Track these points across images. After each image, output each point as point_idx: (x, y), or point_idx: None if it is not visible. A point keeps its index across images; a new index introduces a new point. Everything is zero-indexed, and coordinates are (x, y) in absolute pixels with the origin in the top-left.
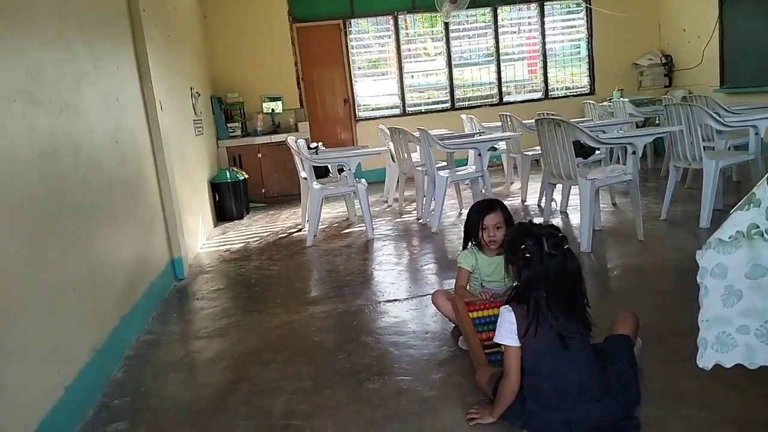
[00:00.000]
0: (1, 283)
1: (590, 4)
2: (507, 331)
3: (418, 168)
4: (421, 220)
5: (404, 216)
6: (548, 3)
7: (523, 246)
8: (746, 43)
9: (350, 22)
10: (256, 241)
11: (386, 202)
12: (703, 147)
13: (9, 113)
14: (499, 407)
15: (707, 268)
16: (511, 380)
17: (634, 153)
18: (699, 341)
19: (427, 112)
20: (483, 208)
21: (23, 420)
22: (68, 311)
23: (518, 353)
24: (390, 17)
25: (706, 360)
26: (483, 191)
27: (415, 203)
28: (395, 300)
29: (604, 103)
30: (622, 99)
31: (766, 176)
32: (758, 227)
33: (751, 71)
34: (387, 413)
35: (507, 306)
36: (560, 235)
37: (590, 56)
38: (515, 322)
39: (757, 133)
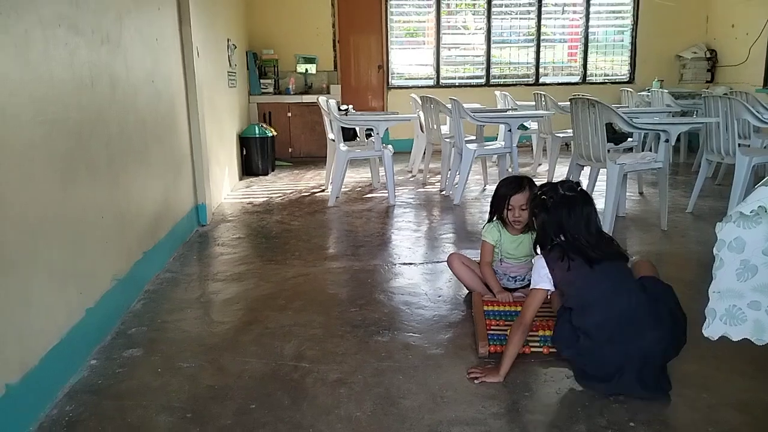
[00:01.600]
0: (32, 200)
1: None
2: (539, 276)
3: (446, 140)
4: (444, 192)
5: (427, 187)
6: None
7: (540, 193)
8: None
9: None
10: (279, 197)
11: (410, 172)
12: (738, 143)
13: (53, 37)
14: (505, 364)
15: (725, 240)
16: (524, 324)
17: (666, 141)
18: (707, 311)
19: (461, 86)
20: (512, 186)
21: (46, 333)
22: (94, 238)
23: (542, 298)
24: None
25: (712, 330)
26: (509, 169)
27: (440, 175)
28: (411, 263)
29: (643, 93)
30: (661, 90)
31: None
32: None
33: None
34: (393, 365)
35: (539, 255)
36: (574, 181)
37: (633, 44)
38: (546, 266)
39: None
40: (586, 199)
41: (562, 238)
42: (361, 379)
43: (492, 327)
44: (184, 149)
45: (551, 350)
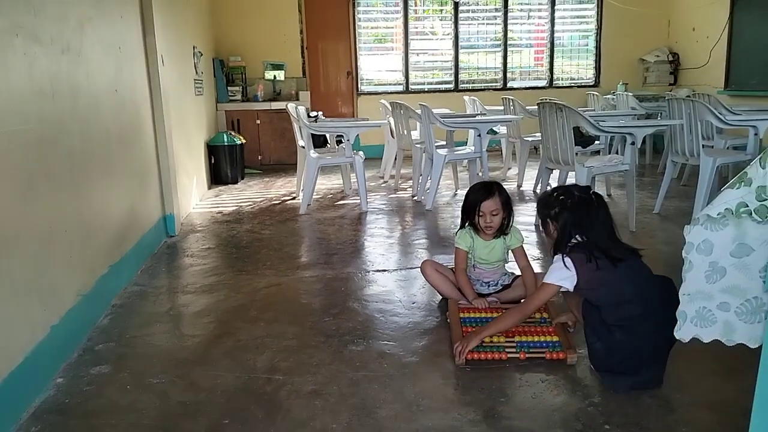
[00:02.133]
0: None
1: None
2: (559, 275)
3: (417, 145)
4: (415, 198)
5: (399, 192)
6: None
7: (556, 194)
8: (754, 47)
9: None
10: (249, 205)
11: (382, 177)
12: (702, 145)
13: (10, 47)
14: (487, 332)
15: (693, 243)
16: (525, 313)
17: (633, 143)
18: (678, 314)
19: (430, 91)
20: (481, 192)
21: (9, 352)
22: (57, 253)
23: (552, 294)
24: None
25: (684, 332)
26: (480, 173)
27: (411, 181)
28: (384, 270)
29: (608, 96)
30: (626, 93)
31: (758, 156)
32: (747, 206)
33: (756, 75)
34: (368, 374)
35: (559, 255)
36: (586, 185)
37: (598, 48)
38: (573, 268)
39: (756, 134)
40: (601, 201)
41: (582, 239)
42: (336, 390)
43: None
44: (151, 159)
45: (528, 356)
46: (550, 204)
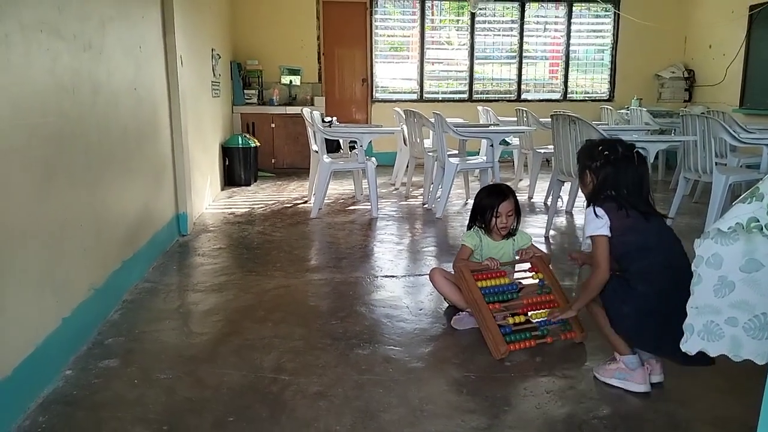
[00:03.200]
0: (9, 206)
1: (619, 11)
2: (596, 225)
3: (429, 153)
4: (426, 206)
5: (410, 200)
6: (577, 5)
7: (601, 148)
8: None
9: (377, 2)
10: (261, 208)
11: (393, 185)
12: (716, 162)
13: (35, 41)
14: (582, 300)
15: (703, 257)
16: (602, 270)
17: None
18: (685, 326)
19: (444, 100)
20: (497, 194)
21: (20, 341)
22: (72, 246)
23: (607, 243)
24: (417, 1)
25: (690, 345)
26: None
27: (423, 188)
28: (392, 276)
29: (622, 111)
30: (640, 108)
31: None
32: (758, 221)
33: None
34: (373, 378)
35: (591, 206)
36: (630, 143)
37: (613, 63)
38: (604, 215)
39: None
40: (642, 161)
41: (616, 193)
42: (341, 393)
43: (495, 315)
44: (166, 158)
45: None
46: (593, 156)
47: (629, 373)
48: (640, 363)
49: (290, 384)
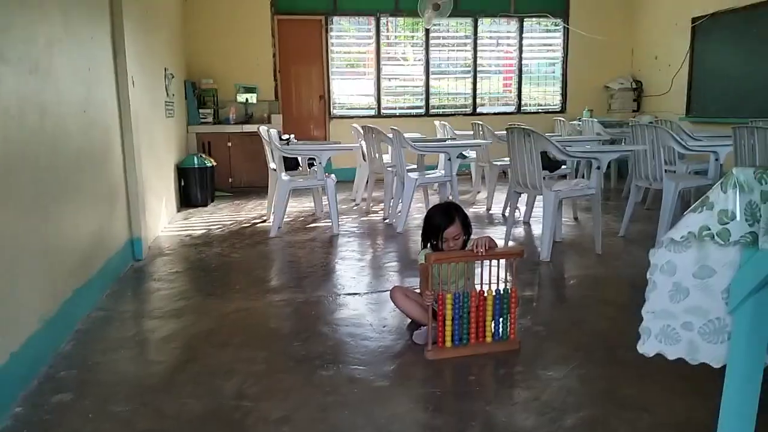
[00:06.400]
0: None
1: (568, 25)
2: None
3: (388, 168)
4: (387, 220)
5: (371, 215)
6: (528, 20)
7: None
8: (714, 75)
9: (332, 20)
10: (219, 228)
11: (354, 201)
12: (665, 170)
13: None
14: None
15: (657, 264)
16: None
17: (598, 168)
18: (642, 330)
19: (401, 115)
20: (442, 218)
21: None
22: (20, 276)
23: None
24: (372, 18)
25: (647, 347)
26: (450, 196)
27: (383, 204)
28: (355, 293)
29: (574, 122)
30: (591, 119)
31: (719, 181)
32: (709, 229)
33: (716, 102)
34: (338, 399)
35: None
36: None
37: (564, 75)
38: None
39: (717, 159)
40: None
41: None
42: (306, 416)
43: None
44: (118, 181)
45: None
46: None
47: None
48: None
49: (253, 410)
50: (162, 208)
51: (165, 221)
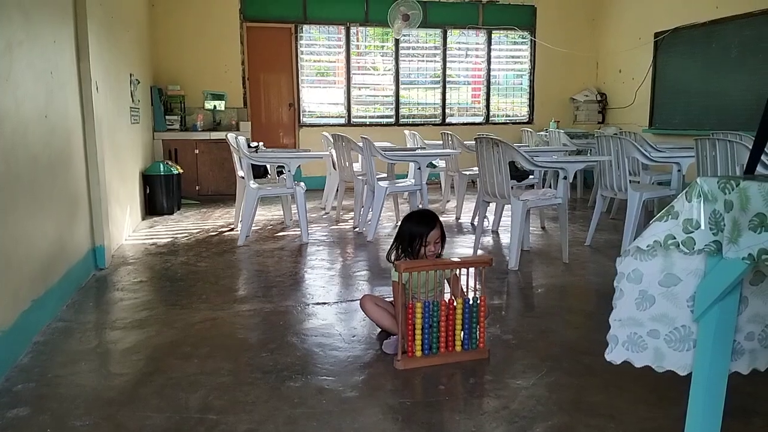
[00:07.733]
0: None
1: (535, 38)
2: None
3: (358, 177)
4: (357, 229)
5: (341, 224)
6: (496, 32)
7: None
8: (676, 88)
9: (302, 28)
10: (185, 237)
11: (324, 209)
12: (630, 180)
13: None
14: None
15: (624, 273)
16: None
17: (565, 178)
18: (609, 337)
19: (371, 125)
20: (425, 223)
21: None
22: None
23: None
24: (342, 27)
25: (615, 355)
26: (420, 205)
27: (353, 212)
28: (324, 303)
29: (541, 133)
30: (558, 130)
31: (684, 191)
32: (674, 238)
33: (678, 115)
34: (306, 411)
35: None
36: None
37: (531, 87)
38: None
39: (679, 170)
40: None
41: None
42: (273, 429)
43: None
44: (80, 188)
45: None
46: None
47: None
48: None
49: (218, 423)
50: (126, 216)
51: (129, 229)
